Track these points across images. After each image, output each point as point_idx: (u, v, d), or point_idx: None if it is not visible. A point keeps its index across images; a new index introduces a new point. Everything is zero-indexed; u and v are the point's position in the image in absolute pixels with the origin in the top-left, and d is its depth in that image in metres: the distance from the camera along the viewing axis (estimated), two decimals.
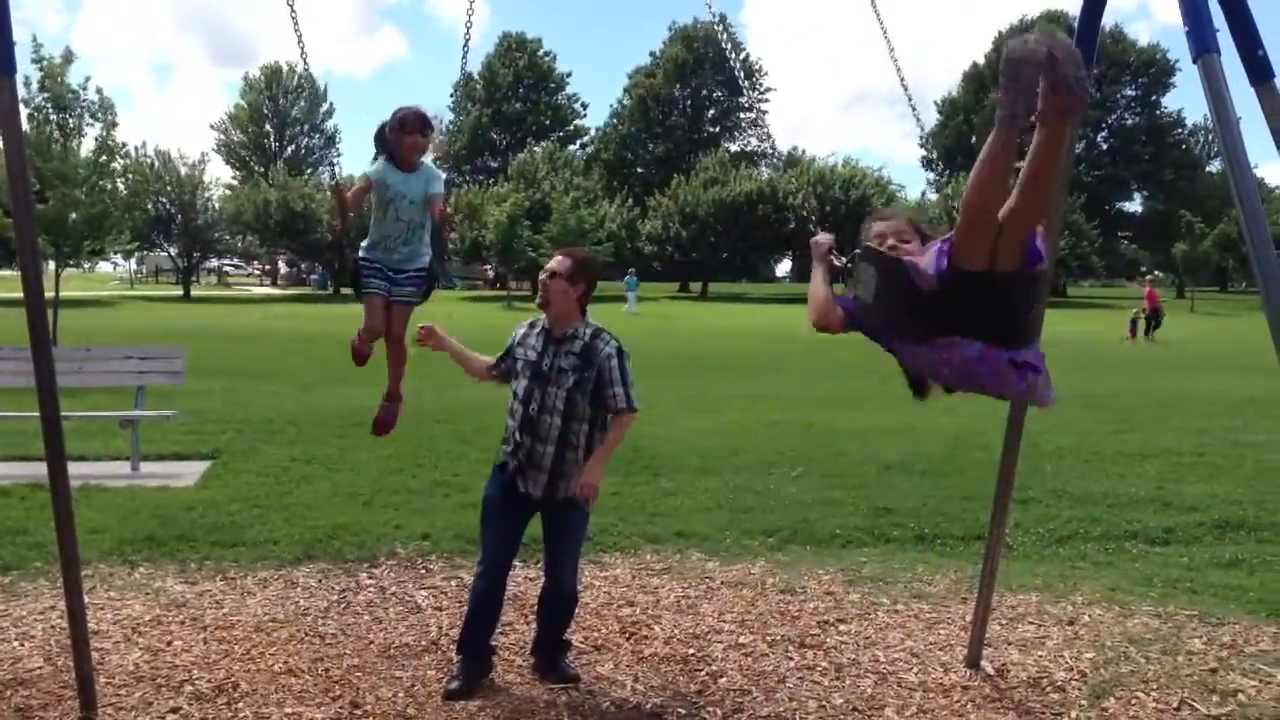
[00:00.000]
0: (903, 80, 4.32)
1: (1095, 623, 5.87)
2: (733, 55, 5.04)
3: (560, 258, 4.98)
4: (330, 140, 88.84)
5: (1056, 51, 2.75)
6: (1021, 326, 3.28)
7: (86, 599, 4.81)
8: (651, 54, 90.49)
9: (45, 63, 20.63)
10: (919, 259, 3.30)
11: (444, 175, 5.22)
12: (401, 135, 4.98)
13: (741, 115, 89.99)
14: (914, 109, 4.48)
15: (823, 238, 4.02)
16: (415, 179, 5.04)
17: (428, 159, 5.18)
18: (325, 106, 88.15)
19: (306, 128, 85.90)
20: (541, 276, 4.91)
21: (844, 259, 3.85)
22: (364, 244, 5.14)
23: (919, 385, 3.66)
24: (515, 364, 4.99)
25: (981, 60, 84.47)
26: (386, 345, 5.18)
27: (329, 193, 5.02)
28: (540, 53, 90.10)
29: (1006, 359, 3.19)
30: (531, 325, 5.03)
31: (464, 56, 4.80)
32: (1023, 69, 2.79)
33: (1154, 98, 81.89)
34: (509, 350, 5.07)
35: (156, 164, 60.34)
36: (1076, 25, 4.55)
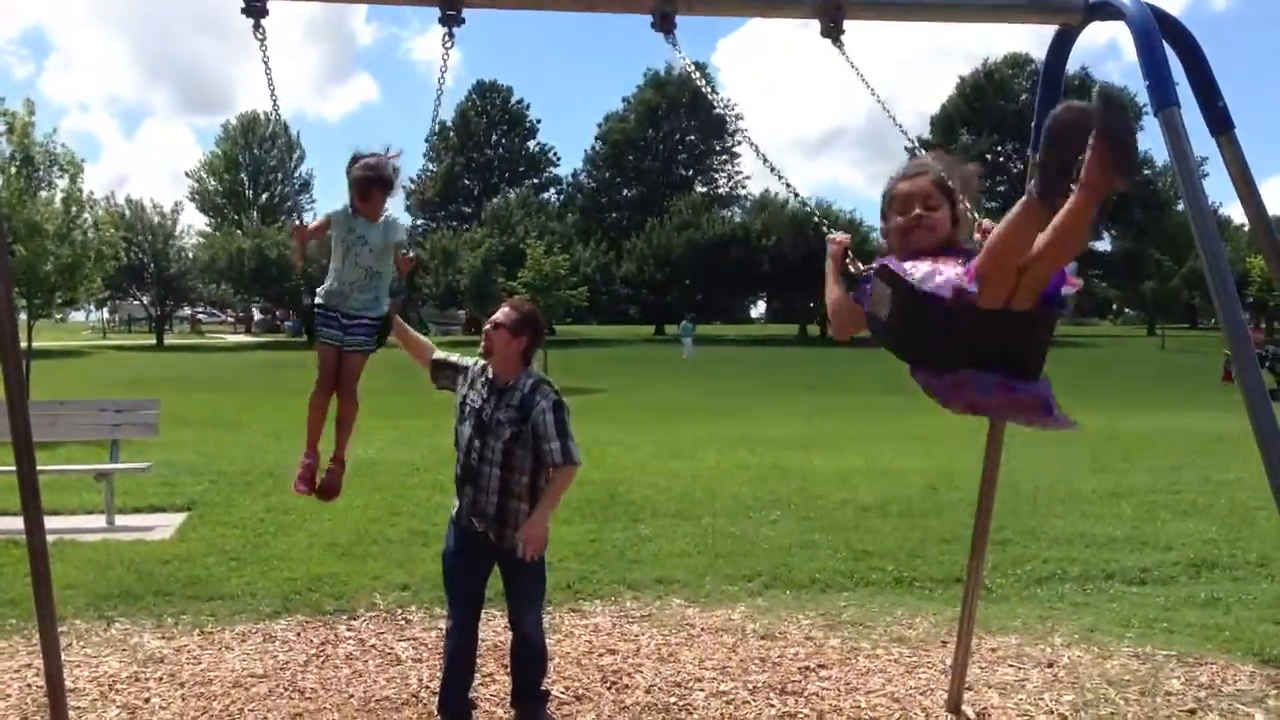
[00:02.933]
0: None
1: (1074, 664, 5.89)
2: (710, 93, 4.81)
3: (506, 309, 4.95)
4: (305, 186, 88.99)
5: (1111, 119, 2.59)
6: (1032, 361, 3.16)
7: (62, 656, 4.76)
8: (625, 99, 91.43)
9: (11, 116, 20.73)
10: (941, 270, 3.10)
11: (405, 223, 5.01)
12: (358, 199, 4.81)
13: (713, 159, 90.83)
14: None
15: (839, 236, 3.70)
16: (377, 226, 4.90)
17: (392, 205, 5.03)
18: (298, 154, 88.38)
19: (280, 175, 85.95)
20: (486, 326, 4.91)
21: (861, 267, 3.54)
22: (321, 289, 4.95)
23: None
24: (461, 401, 4.94)
25: (949, 104, 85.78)
26: (338, 398, 4.93)
27: (289, 234, 4.72)
28: (513, 101, 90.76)
29: (1018, 393, 3.09)
30: (484, 368, 4.98)
31: (437, 106, 4.64)
32: (1070, 134, 2.64)
33: None
34: (461, 372, 5.05)
35: (128, 213, 60.28)
36: (1041, 69, 4.65)
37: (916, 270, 3.13)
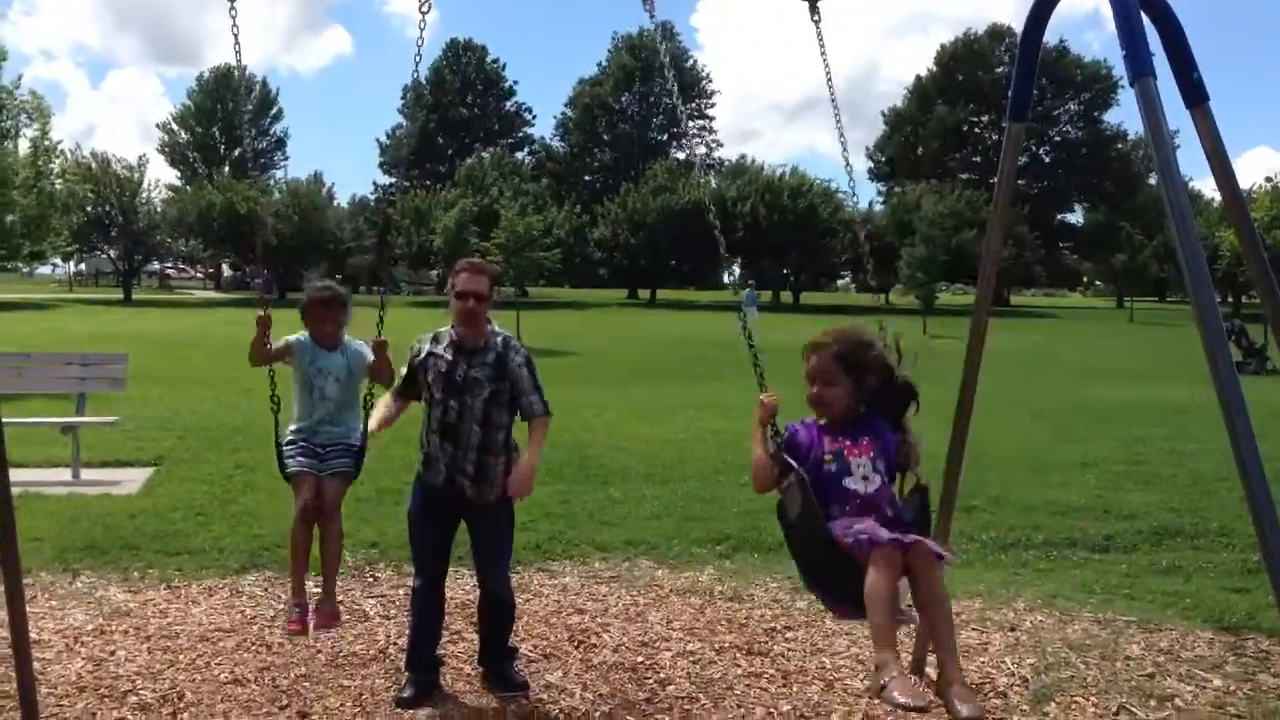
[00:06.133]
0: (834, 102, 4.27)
1: (1036, 629, 5.97)
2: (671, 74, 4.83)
3: (474, 276, 4.90)
4: (279, 143, 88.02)
5: None
6: None
7: (27, 608, 4.74)
8: (599, 64, 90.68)
9: None
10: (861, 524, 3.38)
11: (368, 343, 4.95)
12: (308, 321, 4.91)
13: (684, 125, 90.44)
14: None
15: (767, 399, 3.78)
16: (338, 357, 4.92)
17: (349, 335, 5.02)
18: (274, 110, 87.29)
19: (254, 130, 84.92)
20: (467, 303, 4.84)
21: (778, 446, 3.75)
22: (289, 427, 4.90)
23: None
24: (425, 378, 4.92)
25: (925, 74, 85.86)
26: (320, 530, 4.81)
27: (257, 323, 4.72)
28: (488, 60, 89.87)
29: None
30: (435, 339, 4.99)
31: (416, 65, 4.57)
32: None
33: (1096, 112, 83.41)
34: (412, 371, 5.00)
35: (94, 166, 59.41)
36: (1019, 41, 4.65)
37: (838, 525, 3.45)
